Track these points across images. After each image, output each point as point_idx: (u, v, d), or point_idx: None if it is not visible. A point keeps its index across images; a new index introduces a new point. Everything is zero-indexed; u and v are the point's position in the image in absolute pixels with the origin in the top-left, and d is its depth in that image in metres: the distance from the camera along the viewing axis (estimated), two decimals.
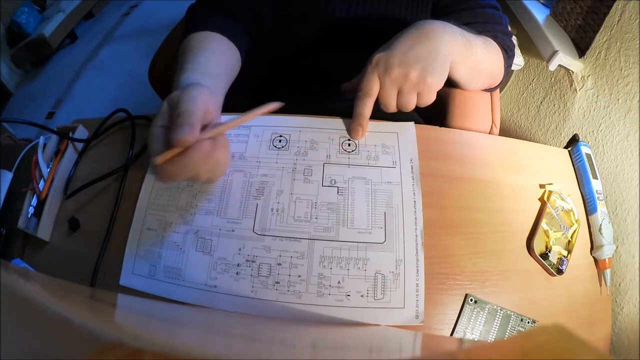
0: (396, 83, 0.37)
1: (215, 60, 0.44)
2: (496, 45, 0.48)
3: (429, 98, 0.39)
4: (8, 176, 0.44)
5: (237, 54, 0.48)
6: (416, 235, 0.36)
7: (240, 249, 0.35)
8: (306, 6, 0.51)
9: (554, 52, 0.73)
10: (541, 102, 0.85)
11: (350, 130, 0.41)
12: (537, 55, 0.85)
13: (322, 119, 0.42)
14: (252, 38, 0.53)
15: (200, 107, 0.32)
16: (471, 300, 0.35)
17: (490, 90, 0.55)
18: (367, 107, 0.39)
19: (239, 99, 0.52)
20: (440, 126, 0.44)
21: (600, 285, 0.39)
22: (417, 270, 0.34)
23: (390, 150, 0.40)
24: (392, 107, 0.39)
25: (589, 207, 0.41)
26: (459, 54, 0.40)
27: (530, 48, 0.86)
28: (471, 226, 0.38)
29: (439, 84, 0.38)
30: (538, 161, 0.43)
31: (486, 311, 0.35)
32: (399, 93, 0.38)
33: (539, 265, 0.37)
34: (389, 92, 0.38)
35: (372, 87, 0.38)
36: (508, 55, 0.50)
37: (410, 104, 0.38)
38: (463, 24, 0.49)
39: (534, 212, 0.40)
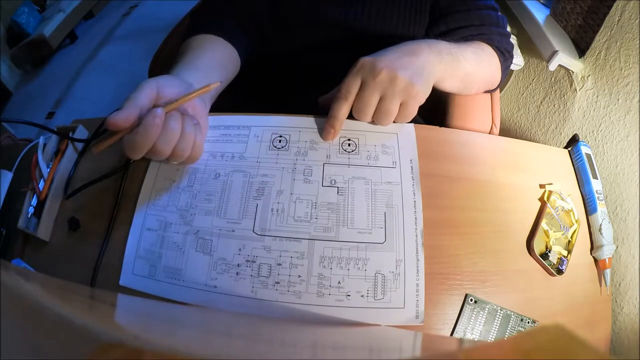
0: (381, 86, 0.36)
1: (207, 57, 0.44)
2: (491, 50, 0.48)
3: (412, 110, 0.38)
4: (8, 176, 0.44)
5: (233, 54, 0.49)
6: (416, 235, 0.36)
7: (240, 249, 0.35)
8: (305, 8, 0.51)
9: (554, 52, 0.73)
10: (541, 102, 0.85)
11: (322, 131, 0.40)
12: (537, 55, 0.85)
13: (322, 119, 0.42)
14: (254, 41, 0.53)
15: (144, 92, 0.33)
16: (471, 300, 0.35)
17: (489, 91, 0.55)
18: (343, 110, 0.38)
19: (240, 100, 0.52)
20: (440, 126, 0.44)
21: (600, 285, 0.39)
22: (417, 270, 0.34)
23: (390, 150, 0.40)
24: (367, 115, 0.38)
25: (589, 207, 0.41)
26: (444, 73, 0.40)
27: (530, 48, 0.86)
28: (471, 226, 0.38)
29: (424, 95, 0.38)
30: (538, 161, 0.43)
31: (486, 311, 0.35)
32: (381, 99, 0.37)
33: (539, 265, 0.37)
34: (371, 95, 0.37)
35: (351, 90, 0.37)
36: (505, 58, 0.50)
37: (391, 112, 0.37)
38: (459, 26, 0.49)
39: (534, 212, 0.40)
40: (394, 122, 0.39)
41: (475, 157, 0.42)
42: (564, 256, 0.37)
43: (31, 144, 0.44)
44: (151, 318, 0.27)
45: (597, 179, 0.42)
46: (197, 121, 0.37)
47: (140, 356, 0.12)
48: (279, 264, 0.34)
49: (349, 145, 0.40)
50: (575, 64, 0.73)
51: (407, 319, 0.33)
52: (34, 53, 1.70)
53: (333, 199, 0.37)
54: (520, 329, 0.35)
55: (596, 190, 0.41)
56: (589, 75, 0.70)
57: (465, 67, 0.42)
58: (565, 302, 0.37)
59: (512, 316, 0.35)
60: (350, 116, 0.39)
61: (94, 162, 0.43)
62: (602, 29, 0.66)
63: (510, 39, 0.52)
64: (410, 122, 0.42)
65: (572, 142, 0.45)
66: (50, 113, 1.53)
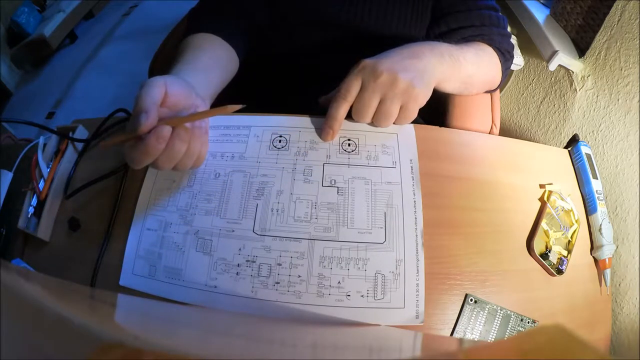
0: (381, 89, 0.36)
1: (206, 57, 0.45)
2: (492, 51, 0.48)
3: (412, 112, 0.38)
4: (8, 176, 0.44)
5: (232, 53, 0.49)
6: (416, 235, 0.36)
7: (240, 249, 0.35)
8: (304, 8, 0.51)
9: (554, 52, 0.73)
10: (541, 102, 0.85)
11: (320, 131, 0.40)
12: (537, 55, 0.85)
13: (322, 119, 0.42)
14: (253, 41, 0.53)
15: (156, 92, 0.32)
16: (471, 300, 0.35)
17: (490, 91, 0.55)
18: (342, 110, 0.38)
19: (240, 100, 0.52)
20: (440, 126, 0.44)
21: (600, 285, 0.39)
22: (417, 270, 0.34)
23: (390, 150, 0.40)
24: (367, 116, 0.38)
25: (589, 207, 0.41)
26: (446, 74, 0.40)
27: (530, 48, 0.86)
28: (471, 226, 0.38)
29: (424, 98, 0.38)
30: (538, 161, 0.43)
31: (486, 311, 0.35)
32: (381, 101, 0.37)
33: (539, 265, 0.37)
34: (371, 96, 0.37)
35: (351, 91, 0.37)
36: (505, 58, 0.50)
37: (391, 114, 0.37)
38: (459, 26, 0.49)
39: (534, 212, 0.40)
40: (393, 123, 0.39)
41: (475, 157, 0.42)
42: (564, 256, 0.37)
43: (31, 144, 0.44)
44: (151, 318, 0.27)
45: (597, 179, 0.42)
46: (205, 129, 0.37)
47: (140, 356, 0.12)
48: (279, 264, 0.34)
49: (349, 145, 0.40)
50: (575, 64, 0.73)
51: (407, 319, 0.33)
52: (34, 53, 1.70)
53: (333, 199, 0.37)
54: (520, 329, 0.35)
55: (596, 190, 0.41)
56: (589, 75, 0.70)
57: (466, 68, 0.42)
58: (565, 302, 0.37)
59: (512, 316, 0.35)
60: (350, 117, 0.39)
61: (94, 162, 0.43)
62: (602, 29, 0.66)
63: (511, 40, 0.52)
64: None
65: (572, 142, 0.45)
66: (50, 113, 1.53)
